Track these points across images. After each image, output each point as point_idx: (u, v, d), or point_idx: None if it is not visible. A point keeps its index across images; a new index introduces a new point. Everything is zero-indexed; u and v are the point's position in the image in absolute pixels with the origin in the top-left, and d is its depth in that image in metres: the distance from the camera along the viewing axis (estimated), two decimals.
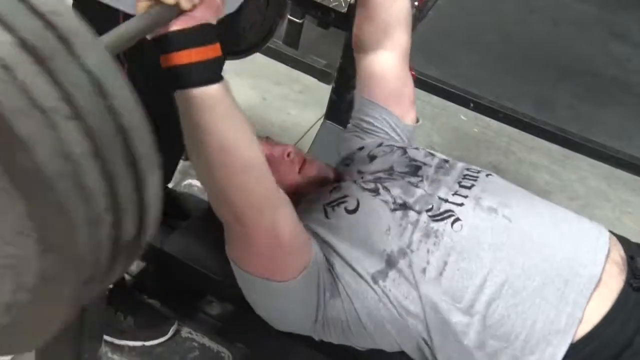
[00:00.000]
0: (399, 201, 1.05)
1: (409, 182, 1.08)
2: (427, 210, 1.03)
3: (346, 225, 1.04)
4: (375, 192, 1.07)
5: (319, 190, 1.14)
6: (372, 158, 1.17)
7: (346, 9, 1.51)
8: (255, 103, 2.29)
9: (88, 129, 0.51)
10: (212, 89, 0.85)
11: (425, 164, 1.13)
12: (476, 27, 2.96)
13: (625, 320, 0.95)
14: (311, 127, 2.17)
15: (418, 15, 2.66)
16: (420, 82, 2.47)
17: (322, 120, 1.74)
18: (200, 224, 1.43)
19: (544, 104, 2.58)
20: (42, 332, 0.62)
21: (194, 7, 0.84)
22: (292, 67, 2.29)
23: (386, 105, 1.26)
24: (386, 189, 1.07)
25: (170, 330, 1.42)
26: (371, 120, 1.28)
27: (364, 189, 1.08)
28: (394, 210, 1.03)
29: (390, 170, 1.12)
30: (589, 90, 2.76)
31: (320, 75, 2.39)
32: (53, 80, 0.49)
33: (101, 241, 0.55)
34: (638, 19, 3.36)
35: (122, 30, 0.74)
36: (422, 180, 1.09)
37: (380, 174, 1.12)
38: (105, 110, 0.53)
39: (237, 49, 1.73)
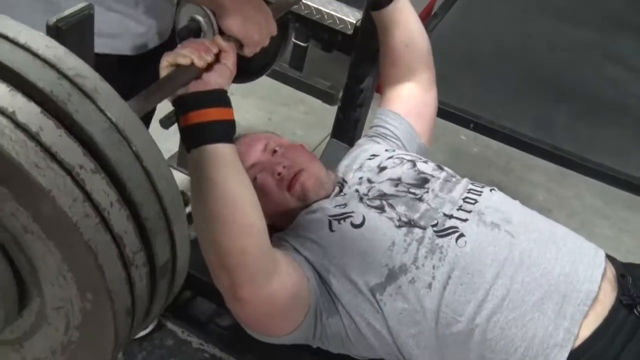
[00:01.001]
0: (404, 219, 1.08)
1: (414, 196, 1.12)
2: (433, 226, 1.07)
3: (350, 238, 1.07)
4: (381, 209, 1.11)
5: (323, 202, 1.17)
6: (381, 169, 1.21)
7: (352, 31, 1.57)
8: (262, 123, 2.35)
9: (115, 179, 0.56)
10: (226, 147, 0.92)
11: (433, 176, 1.17)
12: (475, 50, 3.04)
13: (614, 335, 0.99)
14: (317, 146, 2.22)
15: None
16: None
17: (327, 139, 1.78)
18: None
19: (542, 125, 2.64)
20: None
21: (207, 64, 0.93)
22: (297, 89, 2.35)
23: (407, 118, 1.33)
24: (391, 206, 1.11)
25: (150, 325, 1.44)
26: (390, 128, 1.34)
27: (370, 207, 1.11)
28: (399, 227, 1.07)
29: (397, 181, 1.16)
30: (586, 112, 2.82)
31: (325, 96, 2.44)
32: (78, 137, 0.54)
33: (135, 277, 0.59)
34: (634, 44, 3.44)
35: (146, 95, 0.82)
36: (427, 192, 1.12)
37: (387, 186, 1.16)
38: (131, 157, 0.58)
39: (243, 72, 1.79)
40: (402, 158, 1.23)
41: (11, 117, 0.51)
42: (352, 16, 1.58)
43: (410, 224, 1.07)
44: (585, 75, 3.08)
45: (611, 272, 1.07)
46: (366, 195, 1.16)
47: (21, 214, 0.54)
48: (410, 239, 1.05)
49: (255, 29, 1.03)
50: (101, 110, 0.56)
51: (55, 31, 0.71)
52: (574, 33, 3.37)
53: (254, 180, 1.19)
